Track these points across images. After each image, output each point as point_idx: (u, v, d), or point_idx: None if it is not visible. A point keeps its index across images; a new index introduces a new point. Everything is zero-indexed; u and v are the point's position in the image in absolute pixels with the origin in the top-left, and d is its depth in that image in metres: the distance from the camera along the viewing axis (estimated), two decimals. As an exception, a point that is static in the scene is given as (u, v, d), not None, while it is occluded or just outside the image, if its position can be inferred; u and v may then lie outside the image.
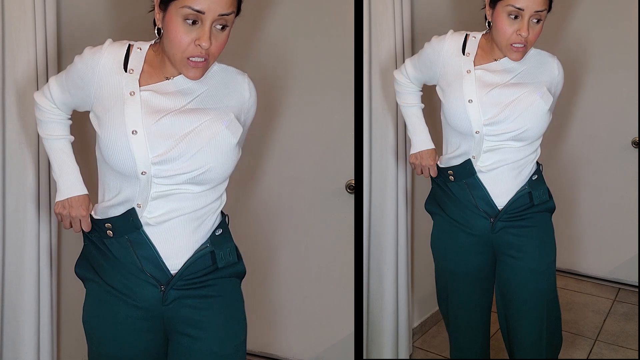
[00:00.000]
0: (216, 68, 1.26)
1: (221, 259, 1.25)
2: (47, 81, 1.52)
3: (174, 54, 1.14)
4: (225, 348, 1.24)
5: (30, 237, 1.53)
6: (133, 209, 1.19)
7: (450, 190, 1.60)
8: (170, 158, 1.15)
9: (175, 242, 1.21)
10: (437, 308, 2.50)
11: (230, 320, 1.27)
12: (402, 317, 2.10)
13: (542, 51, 1.56)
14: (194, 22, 1.11)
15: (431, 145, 1.68)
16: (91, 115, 1.22)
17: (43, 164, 1.54)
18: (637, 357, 2.22)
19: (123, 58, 1.19)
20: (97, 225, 1.24)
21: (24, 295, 1.53)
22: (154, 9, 1.18)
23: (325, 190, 2.13)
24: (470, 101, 1.48)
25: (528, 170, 1.55)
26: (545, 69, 1.53)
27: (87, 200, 1.29)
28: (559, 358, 1.66)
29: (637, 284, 2.76)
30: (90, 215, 1.26)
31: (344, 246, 2.09)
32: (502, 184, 1.54)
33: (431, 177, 1.67)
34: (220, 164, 1.18)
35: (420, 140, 1.68)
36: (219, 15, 1.11)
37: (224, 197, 1.29)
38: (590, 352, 2.28)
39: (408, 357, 2.18)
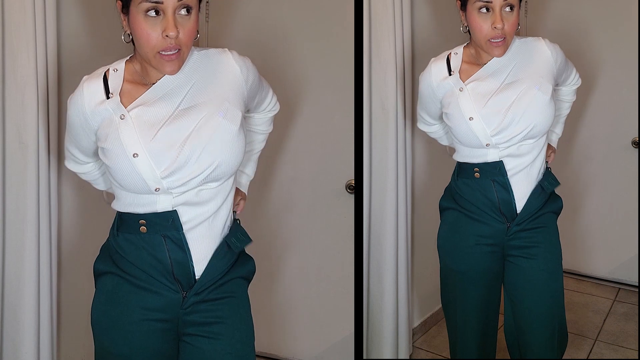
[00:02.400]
0: (196, 57, 1.23)
1: (235, 244, 1.25)
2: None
3: (146, 53, 1.14)
4: (240, 349, 1.24)
5: (30, 237, 1.53)
6: (175, 210, 1.18)
7: (474, 186, 1.57)
8: (178, 167, 1.15)
9: (201, 247, 1.22)
10: (437, 308, 2.51)
11: (243, 322, 1.27)
12: (402, 317, 2.10)
13: (526, 38, 1.54)
14: (156, 13, 1.10)
15: None
16: (99, 152, 1.22)
17: (43, 164, 1.54)
18: (637, 357, 2.22)
19: (102, 87, 1.18)
20: (127, 220, 1.21)
21: (24, 295, 1.53)
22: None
23: (325, 190, 2.13)
24: (471, 119, 1.47)
25: (537, 170, 1.56)
26: (535, 56, 1.51)
27: None
28: (559, 359, 1.66)
29: (637, 284, 2.76)
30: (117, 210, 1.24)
31: (344, 246, 2.09)
32: (518, 189, 1.54)
33: (453, 174, 1.64)
34: (228, 156, 1.18)
35: None
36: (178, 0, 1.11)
37: (234, 185, 1.30)
38: (590, 352, 2.28)
39: (408, 357, 2.18)
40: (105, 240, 1.29)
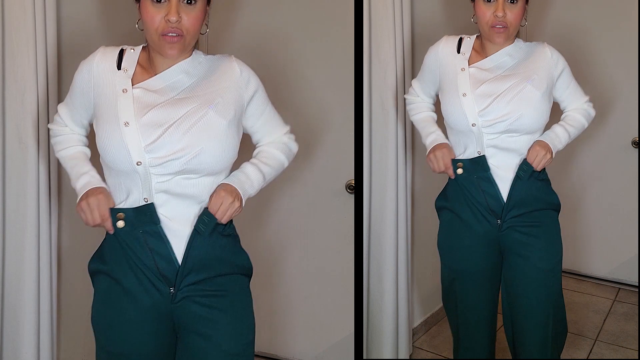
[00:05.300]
0: (202, 59, 1.31)
1: (201, 229, 1.23)
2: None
3: (151, 35, 1.22)
4: (234, 346, 1.25)
5: (30, 237, 1.53)
6: (152, 203, 1.21)
7: (462, 185, 1.59)
8: (161, 144, 1.19)
9: (183, 241, 1.23)
10: (437, 308, 2.51)
11: (238, 319, 1.27)
12: (402, 317, 2.10)
13: (532, 42, 1.62)
14: (160, 1, 1.20)
15: (443, 140, 1.63)
16: (94, 122, 1.26)
17: (43, 164, 1.55)
18: (637, 357, 2.22)
19: (116, 58, 1.27)
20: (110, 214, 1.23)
21: (24, 295, 1.53)
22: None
23: (325, 190, 2.13)
24: (464, 95, 1.54)
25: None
26: (535, 57, 1.58)
27: (105, 190, 1.24)
28: (558, 358, 1.66)
29: (637, 284, 2.76)
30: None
31: (344, 246, 2.09)
32: (504, 186, 1.55)
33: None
34: (212, 146, 1.21)
35: (432, 140, 1.65)
36: None
37: None
38: (590, 352, 2.28)
39: (408, 357, 2.18)
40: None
